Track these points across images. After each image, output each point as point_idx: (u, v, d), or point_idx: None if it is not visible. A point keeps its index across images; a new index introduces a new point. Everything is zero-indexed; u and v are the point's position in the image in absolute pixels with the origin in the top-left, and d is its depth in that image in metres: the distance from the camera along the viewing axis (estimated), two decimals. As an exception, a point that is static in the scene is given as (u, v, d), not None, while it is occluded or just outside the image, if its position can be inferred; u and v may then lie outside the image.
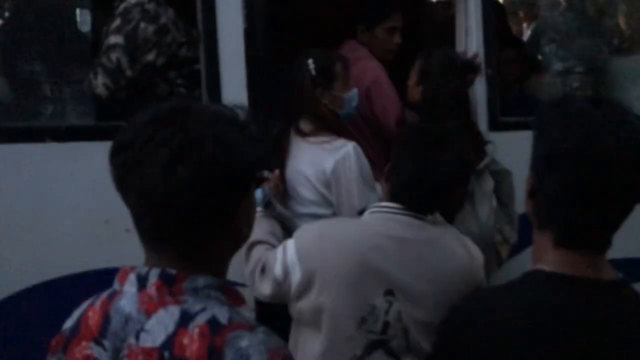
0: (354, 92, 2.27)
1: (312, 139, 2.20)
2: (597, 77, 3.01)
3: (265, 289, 1.70)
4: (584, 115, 1.05)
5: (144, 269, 0.97)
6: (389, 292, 1.56)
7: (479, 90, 2.49)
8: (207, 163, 0.92)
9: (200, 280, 0.96)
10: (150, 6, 2.09)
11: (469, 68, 2.35)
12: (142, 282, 0.96)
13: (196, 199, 0.93)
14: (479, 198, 2.16)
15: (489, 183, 2.19)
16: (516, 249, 2.28)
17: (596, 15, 2.96)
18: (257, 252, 1.80)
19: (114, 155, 0.97)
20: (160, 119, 0.95)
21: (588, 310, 1.06)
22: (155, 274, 0.95)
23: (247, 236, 1.05)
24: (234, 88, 2.10)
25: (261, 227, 1.92)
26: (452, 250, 1.63)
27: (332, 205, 2.20)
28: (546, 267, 1.09)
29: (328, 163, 2.15)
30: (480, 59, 2.48)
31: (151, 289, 0.95)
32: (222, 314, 0.94)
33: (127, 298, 0.96)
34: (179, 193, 0.92)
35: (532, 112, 2.73)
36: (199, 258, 0.98)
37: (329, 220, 1.92)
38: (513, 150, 2.46)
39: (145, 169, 0.92)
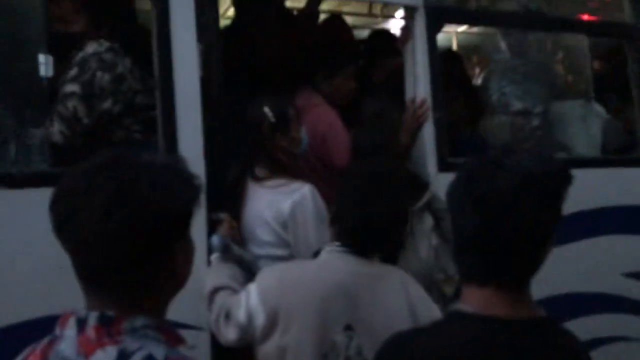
0: (304, 130, 2.37)
1: (268, 183, 2.27)
2: (545, 119, 3.19)
3: (230, 334, 1.74)
4: (484, 173, 1.12)
5: (83, 312, 0.99)
6: (349, 327, 1.62)
7: (428, 133, 2.62)
8: (142, 204, 0.96)
9: (139, 321, 0.99)
10: (107, 55, 2.14)
11: (395, 119, 2.47)
12: (81, 325, 0.98)
13: (132, 241, 0.96)
14: (419, 237, 2.25)
15: (427, 222, 2.28)
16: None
17: (540, 61, 3.14)
18: (220, 298, 1.83)
19: (54, 203, 1.00)
20: (97, 167, 0.99)
21: (504, 350, 1.09)
22: (94, 316, 0.98)
23: (185, 278, 1.08)
24: (190, 134, 2.15)
25: (221, 272, 1.96)
26: (402, 286, 1.69)
27: (289, 245, 2.23)
28: (466, 307, 1.13)
29: (285, 205, 2.20)
30: (428, 103, 2.61)
31: (89, 331, 0.97)
32: (159, 352, 0.96)
33: (67, 342, 0.98)
34: (116, 237, 0.95)
35: (482, 152, 2.88)
36: (137, 300, 1.01)
37: (288, 263, 1.97)
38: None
39: (82, 215, 0.95)
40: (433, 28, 2.65)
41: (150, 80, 2.20)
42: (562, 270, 2.76)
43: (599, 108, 3.28)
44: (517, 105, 3.07)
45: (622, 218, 3.01)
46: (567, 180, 1.14)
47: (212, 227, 2.17)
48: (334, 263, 1.69)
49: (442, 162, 2.61)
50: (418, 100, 2.61)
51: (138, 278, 1.00)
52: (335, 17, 3.27)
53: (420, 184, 2.41)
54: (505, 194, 1.09)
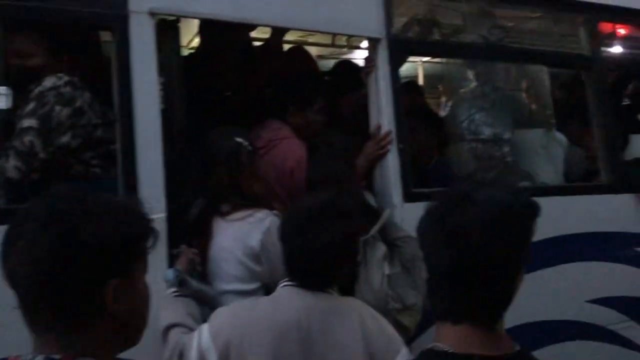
0: None
1: (233, 216, 2.24)
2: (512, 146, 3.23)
3: None
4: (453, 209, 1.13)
5: (29, 356, 0.97)
6: None
7: (392, 163, 2.63)
8: (71, 232, 0.94)
9: None
10: (66, 90, 2.11)
11: (347, 150, 2.49)
12: None
13: (62, 271, 0.94)
14: (371, 266, 2.23)
15: (380, 250, 2.28)
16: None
17: (505, 89, 3.19)
18: (174, 336, 1.79)
19: (3, 250, 0.99)
20: (36, 204, 0.99)
21: None
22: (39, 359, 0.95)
23: (131, 319, 1.04)
24: (151, 168, 2.12)
25: (176, 308, 1.91)
26: (359, 319, 1.68)
27: (259, 279, 2.21)
28: (440, 345, 1.12)
29: (255, 236, 2.19)
30: (392, 135, 2.63)
31: None
32: None
33: None
34: (44, 264, 0.93)
35: (449, 181, 2.90)
36: (81, 342, 0.98)
37: (242, 301, 1.94)
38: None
39: (14, 248, 0.95)
40: (396, 60, 2.68)
41: (110, 113, 2.17)
42: (528, 298, 2.79)
43: (560, 136, 3.35)
44: (487, 131, 3.12)
45: (586, 245, 3.04)
46: (536, 212, 1.16)
47: (174, 263, 2.14)
48: (286, 299, 1.68)
49: (408, 193, 2.62)
50: (383, 130, 2.62)
51: (73, 316, 0.97)
52: (298, 48, 3.28)
53: (373, 213, 2.41)
54: (479, 228, 1.09)
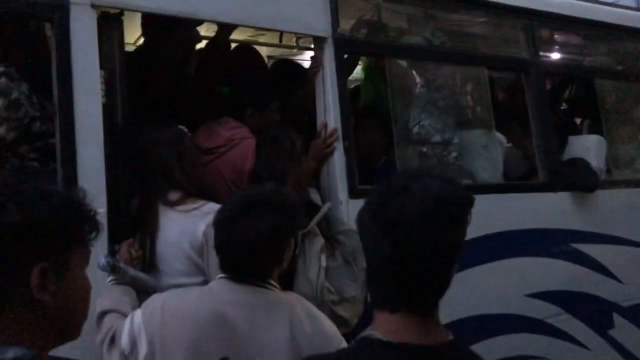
0: None
1: (180, 207, 2.22)
2: (450, 147, 3.32)
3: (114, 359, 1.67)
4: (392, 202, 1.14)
5: None
6: (225, 359, 1.57)
7: (338, 161, 2.66)
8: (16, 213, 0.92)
9: (10, 352, 0.93)
10: (1, 81, 2.05)
11: (293, 147, 2.50)
12: None
13: None
14: (309, 259, 2.25)
15: (317, 244, 2.30)
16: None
17: (449, 92, 3.28)
18: (108, 321, 1.77)
19: None
20: None
21: None
22: None
23: (62, 313, 1.01)
24: (91, 163, 2.08)
25: (112, 295, 1.90)
26: (287, 316, 1.66)
27: (203, 273, 2.19)
28: (376, 332, 1.13)
29: (199, 228, 2.17)
30: (339, 132, 2.66)
31: None
32: None
33: None
34: None
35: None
36: (7, 328, 0.95)
37: (175, 290, 1.92)
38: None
39: None
40: (341, 58, 2.72)
41: (50, 106, 2.12)
42: (468, 293, 2.88)
43: (499, 136, 3.46)
44: (433, 133, 3.19)
45: (523, 241, 3.16)
46: (471, 202, 1.19)
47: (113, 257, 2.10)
48: (216, 291, 1.67)
49: (353, 189, 2.66)
50: (329, 128, 2.66)
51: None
52: (248, 47, 3.29)
53: (315, 209, 2.43)
54: (416, 218, 1.11)
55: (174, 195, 2.23)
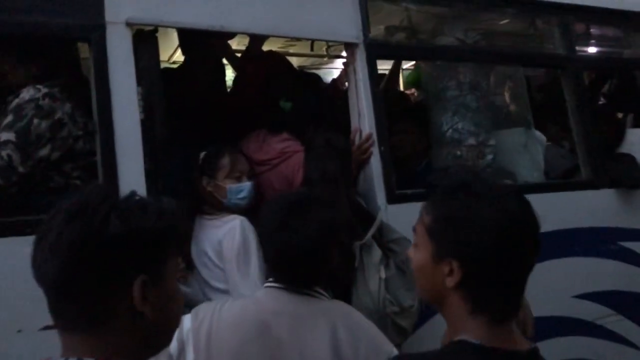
0: (242, 185, 2.40)
1: (207, 216, 2.38)
2: (489, 148, 3.26)
3: None
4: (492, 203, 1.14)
5: (60, 359, 0.94)
6: None
7: (375, 166, 2.64)
8: (97, 225, 0.92)
9: None
10: (45, 102, 2.10)
11: (345, 150, 2.49)
12: None
13: (85, 265, 0.91)
14: (368, 271, 2.23)
15: (376, 255, 2.27)
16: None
17: (485, 93, 3.22)
18: None
19: (33, 250, 0.96)
20: (64, 205, 0.97)
21: None
22: None
23: (159, 324, 1.00)
24: (132, 179, 2.11)
25: None
26: (329, 327, 1.62)
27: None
28: (469, 338, 1.13)
29: (218, 236, 2.29)
30: (374, 138, 2.64)
31: None
32: None
33: None
34: (66, 258, 0.90)
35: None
36: (111, 344, 0.95)
37: (226, 299, 1.93)
38: (410, 220, 2.62)
39: (43, 242, 0.92)
40: (373, 63, 2.71)
41: (90, 125, 2.17)
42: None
43: (539, 134, 3.39)
44: (471, 140, 3.14)
45: (567, 241, 3.07)
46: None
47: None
48: (262, 301, 1.66)
49: (391, 195, 2.63)
50: (364, 134, 2.64)
51: (99, 313, 0.94)
52: (273, 54, 3.28)
53: (366, 216, 2.41)
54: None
55: (207, 208, 2.40)
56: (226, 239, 2.24)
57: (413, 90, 4.37)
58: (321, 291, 1.70)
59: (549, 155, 3.71)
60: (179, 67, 3.10)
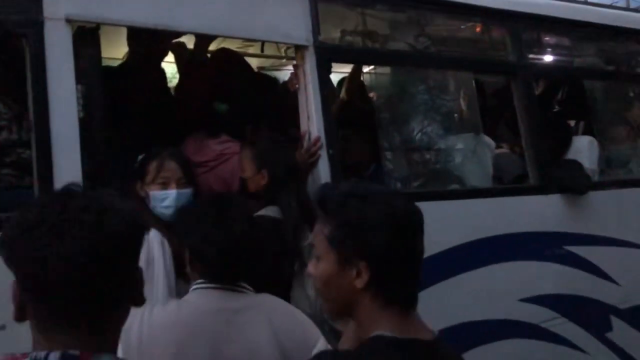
0: (166, 193, 2.26)
1: None
2: (438, 153, 3.30)
3: None
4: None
5: (41, 353, 0.93)
6: None
7: (323, 170, 2.64)
8: (100, 224, 0.95)
9: (105, 359, 0.95)
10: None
11: (294, 141, 2.49)
12: None
13: (97, 264, 0.93)
14: (307, 277, 2.22)
15: None
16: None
17: (434, 98, 3.26)
18: None
19: (20, 238, 0.95)
20: (64, 195, 1.00)
21: None
22: (55, 357, 0.92)
23: (141, 304, 1.07)
24: (67, 177, 2.06)
25: None
26: (266, 316, 1.65)
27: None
28: (383, 332, 1.18)
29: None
30: (322, 141, 2.64)
31: None
32: None
33: None
34: (79, 259, 0.92)
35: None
36: (99, 335, 0.97)
37: (152, 305, 1.89)
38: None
39: (64, 239, 0.92)
40: (323, 66, 2.71)
41: (25, 122, 2.11)
42: (460, 299, 2.85)
43: (488, 140, 3.43)
44: (422, 143, 3.17)
45: (514, 245, 3.12)
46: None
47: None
48: (193, 302, 1.66)
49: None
50: (312, 137, 2.64)
51: (103, 307, 0.97)
52: (226, 52, 3.23)
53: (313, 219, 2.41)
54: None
55: None
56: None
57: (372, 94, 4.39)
58: (247, 286, 1.70)
59: (501, 160, 3.78)
60: (123, 65, 3.03)
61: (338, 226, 1.21)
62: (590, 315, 3.41)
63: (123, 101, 2.61)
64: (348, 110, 3.37)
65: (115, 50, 3.23)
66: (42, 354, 0.93)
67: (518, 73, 3.39)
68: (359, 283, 1.18)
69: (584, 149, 3.75)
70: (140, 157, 2.39)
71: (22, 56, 2.11)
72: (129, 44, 3.04)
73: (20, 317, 0.99)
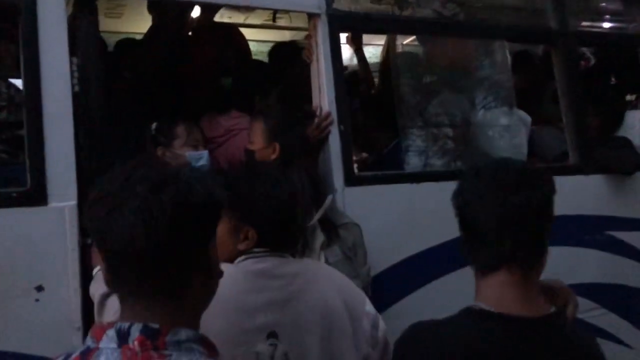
0: (199, 153, 2.32)
1: None
2: (465, 129, 3.08)
3: None
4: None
5: (125, 324, 0.96)
6: (272, 335, 1.49)
7: (334, 146, 2.49)
8: (185, 192, 0.96)
9: (182, 334, 0.97)
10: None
11: (308, 115, 2.39)
12: (123, 337, 0.95)
13: (177, 232, 0.94)
14: (309, 254, 2.10)
15: (319, 239, 2.14)
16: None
17: (462, 70, 3.03)
18: (112, 303, 1.65)
19: (91, 208, 0.98)
20: (132, 166, 1.00)
21: (517, 346, 1.15)
22: (137, 328, 0.95)
23: (214, 290, 1.07)
24: (61, 154, 2.01)
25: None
26: (330, 278, 1.62)
27: None
28: (483, 304, 1.19)
29: None
30: (333, 116, 2.49)
31: (134, 344, 0.94)
32: None
33: (107, 355, 0.94)
34: (162, 228, 0.93)
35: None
36: (177, 309, 0.99)
37: None
38: (369, 204, 2.48)
39: (125, 208, 0.93)
40: (336, 36, 2.53)
41: (18, 95, 2.07)
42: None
43: (523, 115, 3.17)
44: (446, 119, 2.95)
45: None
46: None
47: (85, 252, 2.03)
48: (248, 268, 1.54)
49: (349, 176, 2.47)
50: (323, 112, 2.49)
51: (180, 277, 0.98)
52: (235, 30, 3.14)
53: (319, 194, 2.27)
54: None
55: None
56: None
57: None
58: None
59: (544, 137, 3.52)
60: (140, 39, 2.97)
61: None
62: (635, 306, 3.13)
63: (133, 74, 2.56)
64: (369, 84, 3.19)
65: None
66: (126, 325, 0.96)
67: (559, 41, 3.10)
68: None
69: (635, 125, 3.43)
70: (153, 125, 2.39)
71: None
72: (151, 16, 2.98)
73: (109, 284, 1.02)
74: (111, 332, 0.96)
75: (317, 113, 2.50)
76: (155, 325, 0.95)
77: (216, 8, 2.78)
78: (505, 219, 1.20)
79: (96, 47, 2.24)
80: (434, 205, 2.57)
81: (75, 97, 2.10)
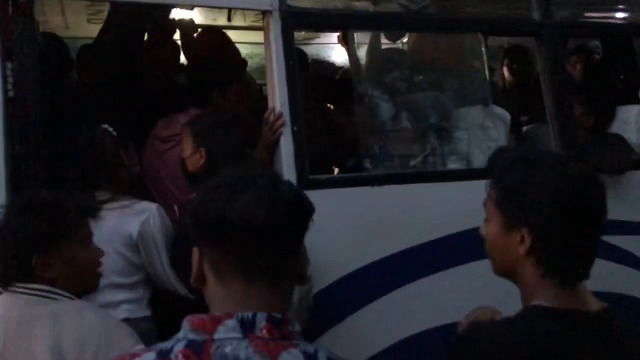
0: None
1: (112, 204, 2.18)
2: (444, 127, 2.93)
3: None
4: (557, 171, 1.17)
5: (248, 314, 0.95)
6: None
7: (286, 148, 2.38)
8: (295, 196, 1.02)
9: (295, 324, 0.99)
10: None
11: (234, 121, 2.33)
12: (248, 327, 0.94)
13: (293, 219, 1.00)
14: None
15: None
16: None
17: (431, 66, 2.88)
18: None
19: (206, 195, 1.01)
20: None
21: (582, 341, 1.14)
22: (262, 318, 0.95)
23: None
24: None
25: None
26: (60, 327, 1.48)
27: (139, 271, 2.22)
28: (542, 302, 1.17)
29: (134, 227, 2.17)
30: (285, 116, 2.38)
31: (262, 332, 0.94)
32: (324, 354, 0.98)
33: (233, 345, 0.93)
34: (281, 211, 0.98)
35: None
36: (286, 303, 1.02)
37: None
38: (323, 208, 2.35)
39: (246, 194, 0.97)
40: (289, 34, 2.43)
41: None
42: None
43: (501, 112, 2.99)
44: (412, 118, 2.82)
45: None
46: None
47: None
48: None
49: (303, 179, 2.36)
50: (275, 113, 2.39)
51: (285, 268, 1.01)
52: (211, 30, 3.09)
53: None
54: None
55: (101, 195, 2.19)
56: (146, 226, 2.16)
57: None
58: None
59: (533, 135, 3.34)
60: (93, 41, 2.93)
61: (501, 190, 1.21)
62: (629, 315, 2.91)
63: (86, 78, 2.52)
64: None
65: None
66: (249, 314, 0.95)
67: (542, 32, 2.92)
68: (522, 249, 1.19)
69: (631, 121, 3.21)
70: (106, 126, 2.29)
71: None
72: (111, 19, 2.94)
73: (198, 282, 1.03)
74: (232, 322, 0.94)
75: (269, 114, 2.40)
76: (279, 315, 0.96)
77: (170, 7, 2.71)
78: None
79: (34, 52, 2.19)
80: (397, 209, 2.47)
81: (9, 102, 2.07)
